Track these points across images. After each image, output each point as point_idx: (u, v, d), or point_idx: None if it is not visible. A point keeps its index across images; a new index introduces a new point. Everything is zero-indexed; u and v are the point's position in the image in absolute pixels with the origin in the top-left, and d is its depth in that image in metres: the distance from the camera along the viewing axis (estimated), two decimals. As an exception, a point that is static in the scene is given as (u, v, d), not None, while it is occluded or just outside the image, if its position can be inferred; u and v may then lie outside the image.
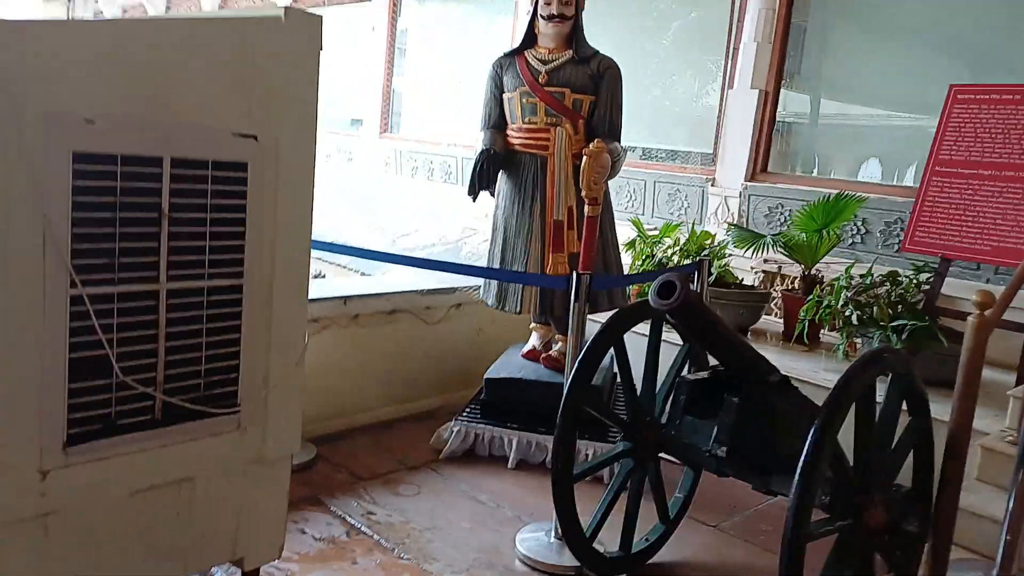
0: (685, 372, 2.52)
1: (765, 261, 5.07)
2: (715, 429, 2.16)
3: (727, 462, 2.16)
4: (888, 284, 3.76)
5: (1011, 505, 2.41)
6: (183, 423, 1.89)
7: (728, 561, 2.76)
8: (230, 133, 1.87)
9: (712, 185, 5.67)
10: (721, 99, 5.69)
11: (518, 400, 3.49)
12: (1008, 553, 2.41)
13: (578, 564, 2.52)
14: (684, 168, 5.99)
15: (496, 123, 3.63)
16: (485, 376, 3.59)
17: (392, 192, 8.21)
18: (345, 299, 3.60)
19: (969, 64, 5.00)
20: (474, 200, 3.59)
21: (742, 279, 4.76)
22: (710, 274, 4.43)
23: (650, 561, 2.67)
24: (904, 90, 5.14)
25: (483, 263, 3.84)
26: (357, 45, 8.83)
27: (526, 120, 3.52)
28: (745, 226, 5.25)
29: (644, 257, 4.73)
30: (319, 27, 2.01)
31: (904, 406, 2.23)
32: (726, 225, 5.11)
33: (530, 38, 3.57)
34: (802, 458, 1.81)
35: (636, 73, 6.08)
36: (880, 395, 2.13)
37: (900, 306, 3.65)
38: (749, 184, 5.44)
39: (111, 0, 12.52)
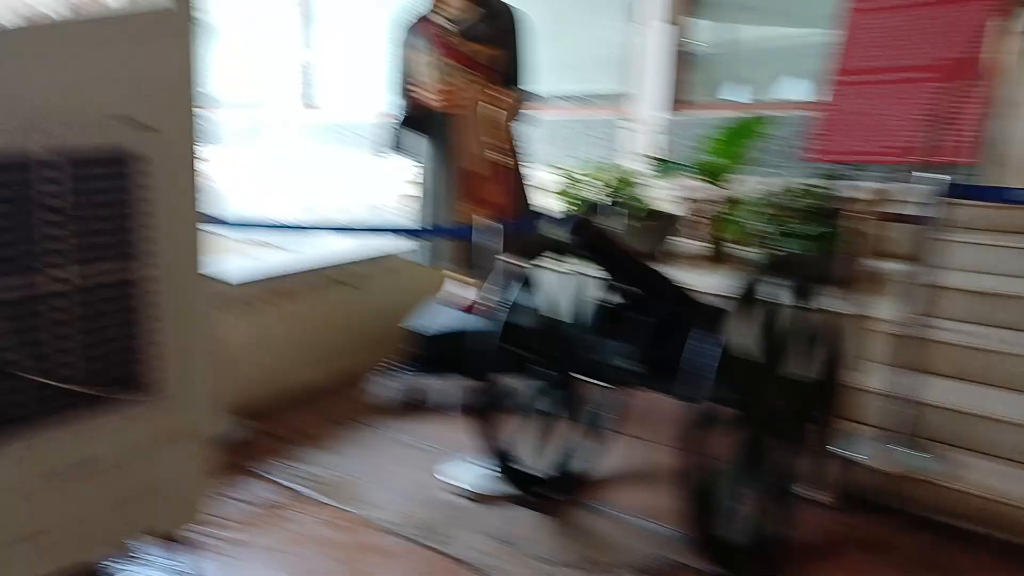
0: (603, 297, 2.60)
1: (688, 189, 5.16)
2: (630, 348, 2.25)
3: (644, 377, 2.26)
4: (802, 195, 3.88)
5: (894, 384, 2.57)
6: (85, 404, 1.91)
7: (652, 468, 2.88)
8: (114, 124, 1.86)
9: (635, 122, 5.74)
10: (634, 36, 5.72)
11: (452, 350, 3.54)
12: (896, 422, 2.58)
13: (507, 487, 2.61)
14: (602, 107, 6.04)
15: (408, 84, 3.62)
16: (418, 331, 3.63)
17: (320, 167, 8.12)
18: (275, 276, 3.62)
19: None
20: (390, 160, 3.60)
21: (666, 208, 4.86)
22: (632, 205, 4.54)
23: (583, 477, 2.76)
24: (812, 5, 5.22)
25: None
26: (269, 19, 8.62)
27: (439, 79, 3.50)
28: (670, 157, 5.33)
29: (573, 200, 4.79)
30: (189, 18, 1.98)
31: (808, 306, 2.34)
32: (647, 159, 5.19)
33: (434, -3, 3.54)
34: (704, 353, 1.89)
35: (548, 19, 6.08)
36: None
37: (815, 215, 3.78)
38: (669, 117, 5.52)
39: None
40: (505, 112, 2.96)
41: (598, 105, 6.11)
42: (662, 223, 4.52)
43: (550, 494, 2.63)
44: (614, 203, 3.57)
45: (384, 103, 3.71)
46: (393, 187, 6.29)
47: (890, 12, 3.80)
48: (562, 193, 4.75)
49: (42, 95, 1.72)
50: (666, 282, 2.40)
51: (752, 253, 3.87)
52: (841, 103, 3.89)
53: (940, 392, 2.76)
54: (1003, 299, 3.03)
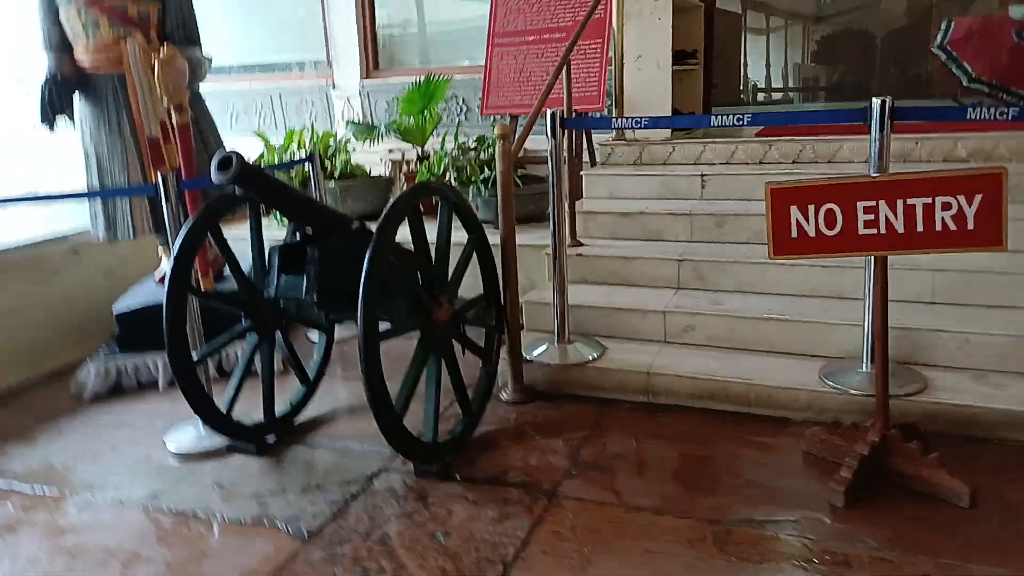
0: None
1: (390, 151, 5.48)
2: (304, 280, 2.46)
3: (320, 306, 2.49)
4: (477, 147, 4.37)
5: (555, 294, 3.12)
6: None
7: (358, 400, 3.11)
8: None
9: (333, 88, 5.89)
10: (323, 5, 5.83)
11: (155, 325, 3.49)
12: (559, 324, 3.15)
13: (221, 443, 2.74)
14: (303, 76, 6.10)
15: (59, 44, 3.42)
16: (114, 312, 3.53)
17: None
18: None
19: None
20: (51, 130, 3.40)
21: (371, 170, 5.13)
22: (335, 168, 4.73)
23: (299, 419, 2.98)
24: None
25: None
26: None
27: (90, 37, 3.37)
28: (370, 121, 5.59)
29: (273, 165, 4.85)
30: None
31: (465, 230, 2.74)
32: (348, 124, 5.40)
33: (75, -52, 3.37)
34: (363, 277, 2.18)
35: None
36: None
37: (490, 164, 4.29)
38: (365, 82, 5.75)
39: None
40: (173, 70, 2.97)
41: (298, 74, 6.15)
42: (368, 183, 4.78)
43: (264, 439, 2.80)
44: (310, 163, 3.72)
45: (39, 65, 3.48)
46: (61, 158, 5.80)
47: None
48: (260, 159, 4.80)
49: None
50: (328, 211, 2.63)
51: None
52: (498, 64, 4.44)
53: (589, 295, 3.39)
54: (627, 216, 3.75)
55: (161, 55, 3.06)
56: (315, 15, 5.94)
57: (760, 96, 6.20)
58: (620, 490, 2.36)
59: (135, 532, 2.30)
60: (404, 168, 5.43)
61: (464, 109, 5.44)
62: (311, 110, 6.04)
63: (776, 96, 6.52)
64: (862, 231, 2.14)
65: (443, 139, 4.49)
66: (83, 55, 3.42)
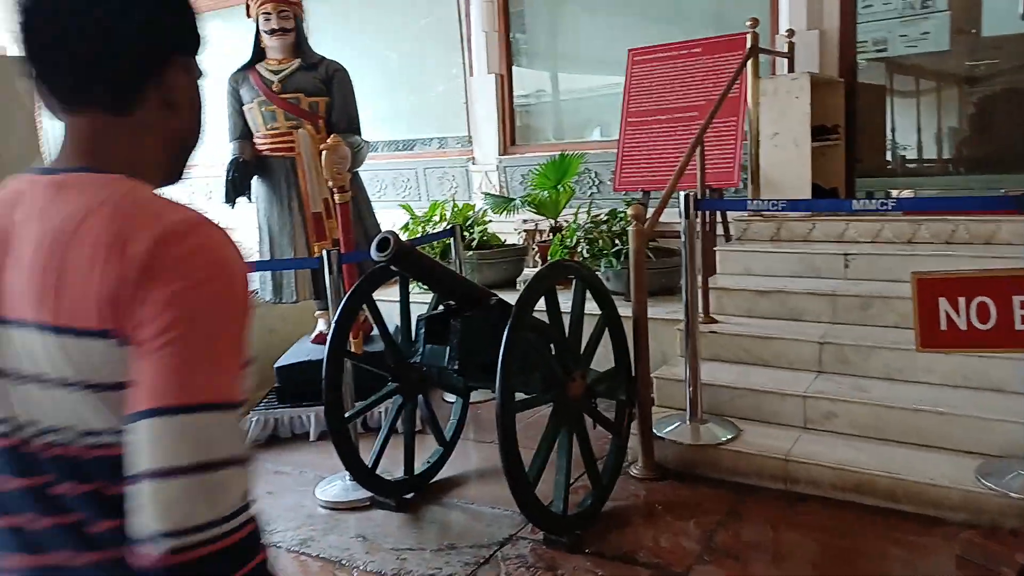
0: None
1: (524, 222, 5.71)
2: (447, 350, 2.64)
3: (461, 374, 2.65)
4: (608, 220, 4.49)
5: (687, 371, 3.13)
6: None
7: (499, 465, 3.26)
8: None
9: (473, 163, 6.25)
10: (465, 86, 6.26)
11: (310, 380, 3.80)
12: (692, 402, 3.13)
13: (366, 496, 2.93)
14: (445, 152, 6.52)
15: (242, 133, 3.92)
16: (275, 365, 3.87)
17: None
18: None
19: (660, 21, 5.88)
20: (232, 207, 3.85)
21: (506, 240, 5.36)
22: (473, 238, 5.00)
23: (434, 480, 3.12)
24: (611, 53, 5.96)
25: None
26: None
27: (268, 127, 3.83)
28: (506, 194, 5.87)
29: (418, 235, 5.19)
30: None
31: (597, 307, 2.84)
32: (485, 196, 5.70)
33: (258, 52, 3.88)
34: (501, 351, 2.32)
35: (388, 74, 6.52)
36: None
37: (622, 236, 4.39)
38: (502, 158, 6.07)
39: None
40: (336, 154, 3.33)
41: (439, 150, 6.58)
42: (503, 253, 5.01)
43: (404, 495, 2.97)
44: (452, 235, 3.98)
45: (226, 151, 3.98)
46: (243, 232, 6.44)
47: (660, 61, 4.54)
48: (405, 229, 5.15)
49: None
50: (470, 286, 2.82)
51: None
52: (632, 141, 4.58)
53: (723, 373, 3.37)
54: (764, 294, 3.71)
55: (327, 143, 3.43)
56: (458, 94, 6.38)
57: (912, 165, 5.94)
58: (755, 579, 2.30)
59: (288, 575, 2.49)
60: (537, 238, 5.63)
61: (596, 182, 5.61)
62: (452, 183, 6.43)
63: (928, 166, 6.19)
64: (1019, 326, 2.04)
65: (576, 212, 4.65)
66: (261, 141, 3.89)
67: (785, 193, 4.07)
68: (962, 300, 2.07)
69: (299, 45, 3.85)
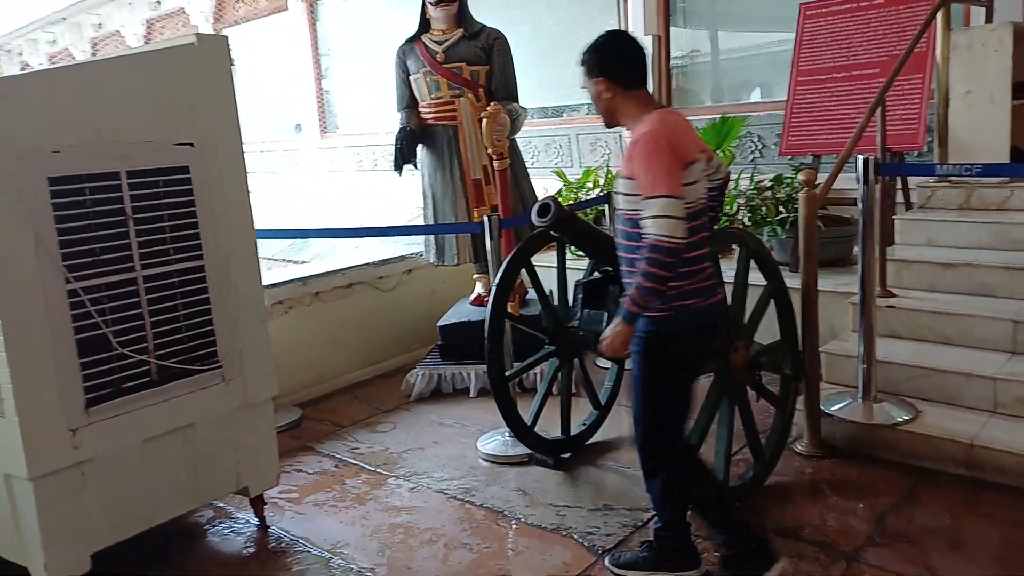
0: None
1: (681, 188, 5.56)
2: (605, 316, 2.65)
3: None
4: (773, 186, 4.28)
5: (861, 347, 2.95)
6: (177, 381, 2.36)
7: None
8: (170, 143, 2.32)
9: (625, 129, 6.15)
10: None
11: (470, 339, 3.96)
12: (866, 379, 2.96)
13: (524, 453, 3.03)
14: (598, 118, 6.44)
15: (409, 103, 4.09)
16: (438, 324, 4.07)
17: (343, 189, 8.60)
18: (304, 279, 4.07)
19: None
20: (400, 174, 4.05)
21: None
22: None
23: (589, 442, 3.18)
24: (777, 9, 5.61)
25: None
26: (283, 53, 9.15)
27: (433, 96, 3.98)
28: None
29: (571, 201, 5.23)
30: (226, 46, 2.45)
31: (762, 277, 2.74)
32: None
33: (424, 24, 4.02)
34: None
35: (539, 38, 6.53)
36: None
37: (787, 204, 4.18)
38: (658, 122, 5.92)
39: (36, 50, 12.66)
40: (496, 122, 3.40)
41: (592, 116, 6.52)
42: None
43: (562, 455, 3.04)
44: (607, 201, 3.98)
45: (393, 121, 4.17)
46: (406, 198, 6.75)
47: (835, 15, 4.22)
48: (559, 195, 5.19)
49: (117, 126, 2.17)
50: None
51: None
52: (802, 102, 4.32)
53: (900, 350, 3.15)
54: (949, 267, 3.40)
55: (488, 110, 3.51)
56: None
57: None
58: (934, 566, 2.17)
59: (455, 520, 2.66)
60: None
61: (760, 146, 5.35)
62: (605, 150, 6.37)
63: None
64: None
65: (738, 178, 4.47)
66: (426, 110, 4.03)
67: (978, 157, 3.68)
68: None
69: (462, 15, 3.94)
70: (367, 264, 4.43)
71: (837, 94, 4.14)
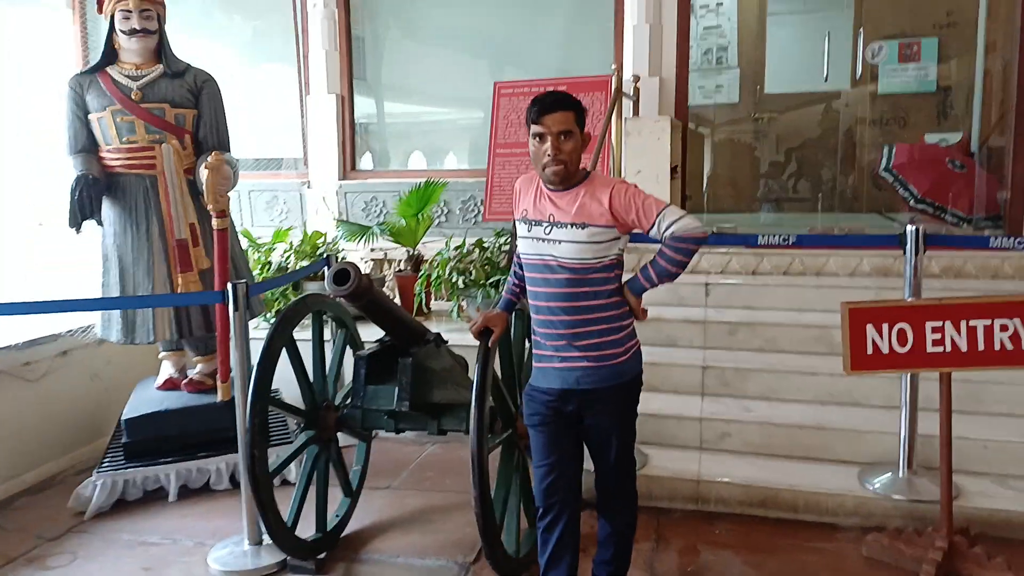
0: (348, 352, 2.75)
1: (372, 250, 5.47)
2: (396, 390, 2.44)
3: (408, 415, 2.46)
4: (477, 250, 4.46)
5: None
6: None
7: (406, 511, 3.09)
8: None
9: (308, 187, 5.87)
10: (301, 105, 5.89)
11: (166, 432, 3.30)
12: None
13: (277, 561, 2.61)
14: (278, 175, 6.06)
15: (84, 146, 3.31)
16: (123, 418, 3.30)
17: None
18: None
19: (502, 61, 6.00)
20: (78, 232, 3.23)
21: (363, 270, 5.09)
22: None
23: (344, 533, 2.85)
24: (449, 89, 5.96)
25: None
26: None
27: (123, 140, 3.28)
28: (346, 220, 5.58)
29: (262, 264, 4.76)
30: None
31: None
32: (335, 222, 5.38)
33: (110, 53, 3.33)
34: (474, 392, 2.18)
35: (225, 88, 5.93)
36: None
37: (489, 266, 4.38)
38: (343, 182, 5.78)
39: None
40: (220, 175, 2.96)
41: (270, 172, 6.11)
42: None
43: (318, 553, 2.67)
44: (327, 266, 3.70)
45: (66, 167, 3.34)
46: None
47: (525, 96, 4.66)
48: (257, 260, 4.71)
49: None
50: (413, 322, 2.67)
51: (454, 302, 4.32)
52: (498, 172, 4.64)
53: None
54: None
55: (210, 160, 3.04)
56: (292, 115, 5.98)
57: (727, 203, 6.58)
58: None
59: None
60: (390, 268, 5.43)
61: (445, 212, 5.52)
62: (283, 208, 5.98)
63: (738, 203, 6.79)
64: (930, 349, 2.37)
65: (447, 243, 4.56)
66: (112, 156, 3.32)
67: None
68: (886, 326, 2.36)
69: (161, 49, 3.35)
70: (7, 347, 3.42)
71: (529, 166, 4.52)
